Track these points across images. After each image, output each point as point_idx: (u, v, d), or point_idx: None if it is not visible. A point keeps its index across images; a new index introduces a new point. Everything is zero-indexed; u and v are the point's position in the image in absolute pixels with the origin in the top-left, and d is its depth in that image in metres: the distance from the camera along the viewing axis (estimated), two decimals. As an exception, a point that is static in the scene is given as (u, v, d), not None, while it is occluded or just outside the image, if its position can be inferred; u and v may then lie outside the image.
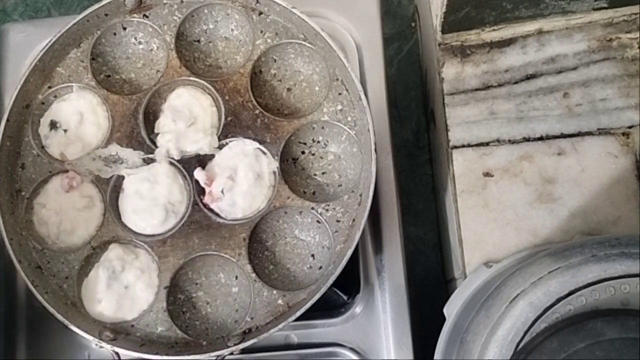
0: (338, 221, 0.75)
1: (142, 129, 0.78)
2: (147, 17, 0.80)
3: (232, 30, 0.82)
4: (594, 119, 0.81)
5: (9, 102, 0.76)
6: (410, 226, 1.13)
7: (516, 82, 0.83)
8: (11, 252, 0.73)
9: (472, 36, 0.85)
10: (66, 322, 0.71)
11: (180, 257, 0.76)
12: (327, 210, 0.76)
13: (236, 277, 0.76)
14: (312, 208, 0.76)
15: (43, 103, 0.79)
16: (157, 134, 0.78)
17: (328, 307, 0.83)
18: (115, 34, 0.81)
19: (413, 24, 1.20)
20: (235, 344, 0.71)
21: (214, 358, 0.70)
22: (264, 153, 0.77)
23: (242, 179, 0.75)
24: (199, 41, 0.82)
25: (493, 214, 0.80)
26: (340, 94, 0.78)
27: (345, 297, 0.85)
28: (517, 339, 0.61)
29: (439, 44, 0.85)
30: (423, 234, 1.14)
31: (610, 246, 0.63)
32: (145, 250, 0.76)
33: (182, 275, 0.76)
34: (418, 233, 1.14)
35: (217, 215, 0.76)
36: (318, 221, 0.76)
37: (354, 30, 0.88)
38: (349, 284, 0.84)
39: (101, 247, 0.76)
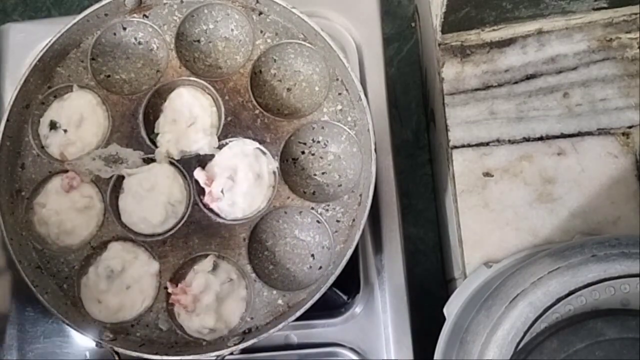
0: (338, 221, 0.75)
1: (142, 129, 0.78)
2: (147, 17, 0.80)
3: (232, 30, 0.82)
4: (594, 119, 0.81)
5: (9, 102, 0.76)
6: (410, 226, 1.13)
7: (516, 82, 0.83)
8: (11, 252, 0.73)
9: (472, 36, 0.85)
10: (66, 322, 0.71)
11: (180, 257, 0.76)
12: (327, 210, 0.76)
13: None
14: (312, 208, 0.76)
15: (43, 103, 0.79)
16: (157, 134, 0.78)
17: (328, 307, 0.83)
18: (115, 34, 0.81)
19: (413, 24, 1.20)
20: (235, 344, 0.71)
21: (214, 358, 0.70)
22: (264, 153, 0.77)
23: (242, 179, 0.75)
24: (199, 41, 0.82)
25: (493, 214, 0.80)
26: (340, 94, 0.78)
27: (345, 297, 0.85)
28: (517, 339, 0.61)
29: (439, 44, 0.85)
30: (423, 234, 1.14)
31: (610, 246, 0.63)
32: (145, 250, 0.76)
33: (182, 275, 0.76)
34: (418, 233, 1.14)
35: (217, 215, 0.76)
36: (318, 221, 0.76)
37: (354, 30, 0.88)
38: (349, 284, 0.84)
39: (101, 247, 0.76)
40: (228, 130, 0.77)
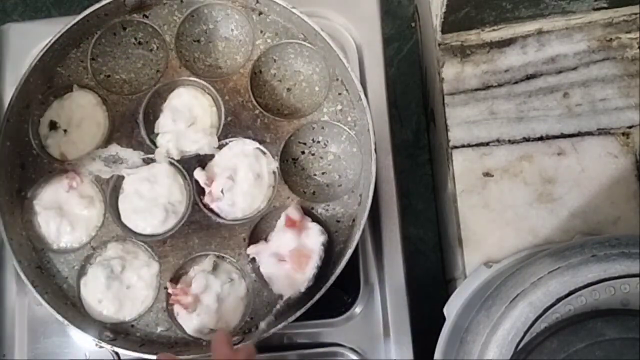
0: (338, 221, 0.75)
1: (142, 129, 0.78)
2: (147, 17, 0.80)
3: (232, 30, 0.82)
4: (594, 119, 0.81)
5: (9, 102, 0.76)
6: (410, 226, 1.13)
7: (516, 82, 0.83)
8: (11, 252, 0.73)
9: (472, 36, 0.85)
10: (66, 322, 0.71)
11: (180, 257, 0.76)
12: (327, 210, 0.76)
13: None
14: (312, 208, 0.76)
15: (43, 103, 0.79)
16: (157, 134, 0.78)
17: (328, 307, 0.83)
18: (115, 34, 0.81)
19: (413, 24, 1.20)
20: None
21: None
22: (264, 153, 0.77)
23: (242, 179, 0.75)
24: (199, 41, 0.82)
25: (493, 214, 0.80)
26: (340, 94, 0.78)
27: (345, 297, 0.85)
28: (517, 339, 0.61)
29: (439, 44, 0.85)
30: (423, 234, 1.14)
31: (610, 246, 0.63)
32: (145, 250, 0.76)
33: (182, 275, 0.76)
34: (418, 233, 1.14)
35: (217, 215, 0.76)
36: (318, 221, 0.76)
37: (354, 30, 0.88)
38: (349, 284, 0.84)
39: (101, 247, 0.76)
40: (228, 130, 0.77)
